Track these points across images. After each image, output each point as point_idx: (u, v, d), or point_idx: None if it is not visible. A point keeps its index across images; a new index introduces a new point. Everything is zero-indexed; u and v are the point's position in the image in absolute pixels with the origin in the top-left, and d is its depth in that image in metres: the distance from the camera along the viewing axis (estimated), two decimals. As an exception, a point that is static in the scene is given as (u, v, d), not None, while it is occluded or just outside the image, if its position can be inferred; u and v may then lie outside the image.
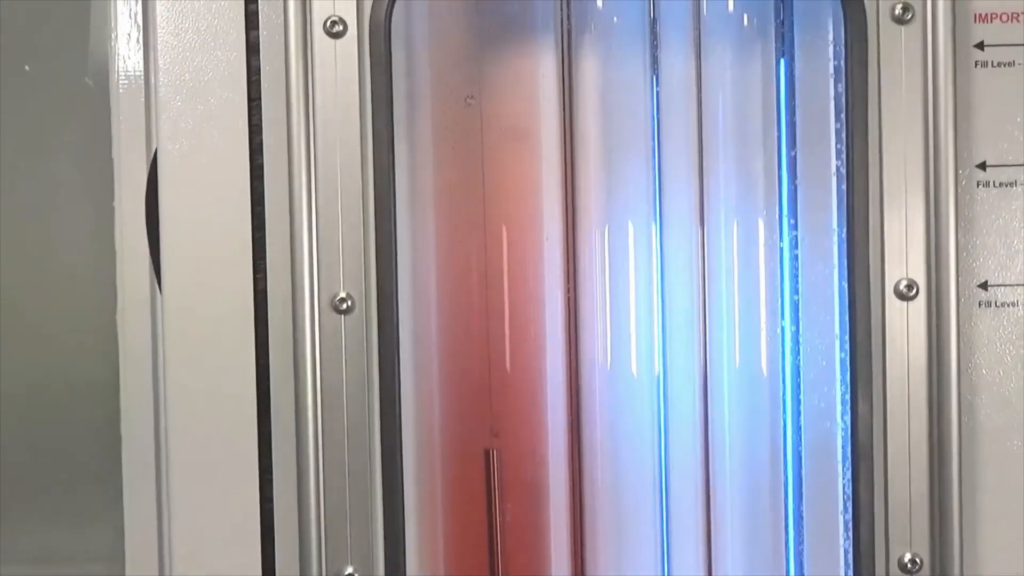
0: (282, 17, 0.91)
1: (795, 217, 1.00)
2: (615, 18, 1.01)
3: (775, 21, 1.00)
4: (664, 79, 1.01)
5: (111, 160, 1.32)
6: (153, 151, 0.97)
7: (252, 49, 0.93)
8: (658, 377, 1.01)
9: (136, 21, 1.31)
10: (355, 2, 0.91)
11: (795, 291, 1.00)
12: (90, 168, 1.35)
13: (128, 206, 1.30)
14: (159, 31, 0.94)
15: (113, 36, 1.33)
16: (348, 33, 0.91)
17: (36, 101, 1.38)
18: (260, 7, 0.92)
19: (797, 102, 0.99)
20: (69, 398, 1.36)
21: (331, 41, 0.91)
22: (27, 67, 1.39)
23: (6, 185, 1.37)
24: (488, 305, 1.01)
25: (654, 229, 1.02)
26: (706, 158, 1.01)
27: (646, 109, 1.01)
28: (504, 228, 1.01)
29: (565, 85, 1.01)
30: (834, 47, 0.97)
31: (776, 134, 1.00)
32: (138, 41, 1.33)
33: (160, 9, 0.94)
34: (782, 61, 1.00)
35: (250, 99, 0.93)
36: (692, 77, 1.01)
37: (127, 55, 1.33)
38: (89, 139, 1.34)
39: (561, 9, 1.01)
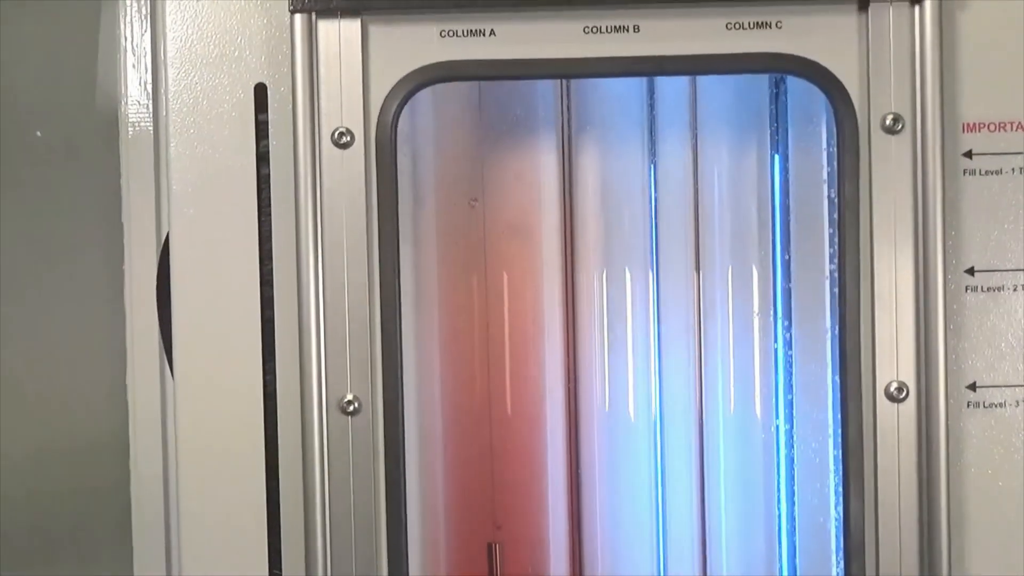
0: (291, 127, 0.94)
1: (789, 318, 1.03)
2: (615, 116, 1.05)
3: (770, 127, 1.04)
4: (662, 176, 1.05)
5: (121, 223, 1.35)
6: (164, 235, 0.99)
7: (262, 158, 0.95)
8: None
9: (147, 92, 1.34)
10: (362, 114, 0.94)
11: (789, 390, 1.03)
12: (101, 231, 1.37)
13: (138, 272, 1.32)
14: (172, 140, 0.96)
15: (123, 103, 1.35)
16: (355, 143, 0.94)
17: (46, 164, 1.41)
18: (270, 117, 0.95)
19: (791, 205, 1.03)
20: (78, 465, 1.39)
21: (339, 151, 0.94)
22: (39, 133, 1.42)
23: (14, 252, 1.40)
24: (491, 407, 1.05)
25: (652, 322, 1.06)
26: (703, 257, 1.05)
27: (644, 209, 1.05)
28: (506, 323, 1.05)
29: (566, 181, 1.05)
30: (827, 153, 1.00)
31: (771, 236, 1.04)
32: (148, 109, 1.35)
33: (173, 118, 0.96)
34: (776, 157, 1.04)
35: (260, 206, 0.96)
36: (690, 175, 1.05)
37: (137, 121, 1.36)
38: (100, 199, 1.37)
39: (561, 111, 1.05)
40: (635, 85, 1.04)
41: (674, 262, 1.05)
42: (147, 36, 1.36)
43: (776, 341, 1.04)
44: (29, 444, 1.39)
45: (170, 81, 0.96)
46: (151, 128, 1.34)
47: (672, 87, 1.04)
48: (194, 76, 0.95)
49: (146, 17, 1.36)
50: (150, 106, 1.34)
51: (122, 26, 1.37)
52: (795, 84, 1.01)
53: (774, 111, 1.03)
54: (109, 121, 1.36)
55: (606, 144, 1.05)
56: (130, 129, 1.35)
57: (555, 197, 1.05)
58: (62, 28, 1.41)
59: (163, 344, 1.19)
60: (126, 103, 1.34)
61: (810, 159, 1.02)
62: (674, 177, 1.05)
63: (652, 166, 1.05)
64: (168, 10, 0.95)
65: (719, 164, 1.04)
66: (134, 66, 1.38)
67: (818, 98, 0.97)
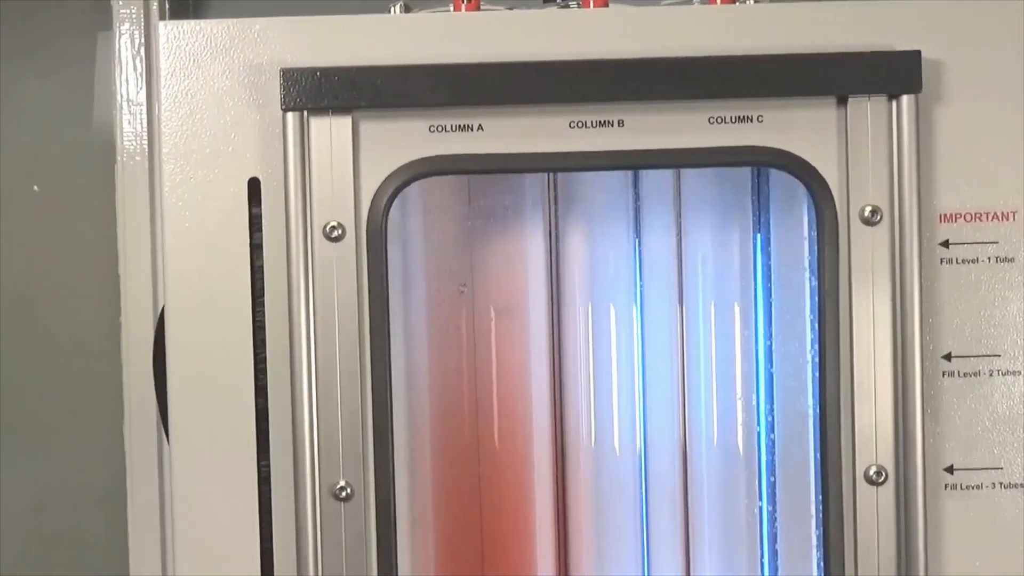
0: (284, 221, 0.97)
1: (771, 402, 1.06)
2: (601, 200, 1.08)
3: (752, 214, 1.07)
4: (647, 256, 1.09)
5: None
6: (162, 307, 1.02)
7: (255, 250, 0.98)
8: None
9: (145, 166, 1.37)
10: (353, 208, 0.97)
11: (771, 472, 1.06)
12: (96, 268, 1.40)
13: (135, 331, 1.35)
14: (168, 232, 0.99)
15: (120, 189, 1.38)
16: (346, 236, 0.97)
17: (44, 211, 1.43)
18: (263, 211, 0.98)
19: (774, 289, 1.06)
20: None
21: (330, 244, 0.97)
22: (36, 187, 1.45)
23: (18, 286, 1.42)
24: (481, 483, 1.08)
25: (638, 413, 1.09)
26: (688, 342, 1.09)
27: (630, 279, 1.09)
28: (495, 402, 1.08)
29: (552, 263, 1.09)
30: (808, 239, 1.03)
31: (753, 319, 1.07)
32: (145, 172, 1.38)
33: (169, 211, 0.98)
34: (758, 238, 1.07)
35: (254, 296, 0.98)
36: (674, 256, 1.08)
37: (134, 183, 1.38)
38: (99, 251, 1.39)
39: (548, 199, 1.08)
40: (620, 173, 1.07)
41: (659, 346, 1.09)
42: (142, 93, 1.39)
43: (758, 422, 1.07)
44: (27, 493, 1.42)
45: (166, 175, 0.98)
46: (148, 198, 1.37)
47: (657, 174, 1.07)
48: (189, 171, 0.98)
49: (141, 75, 1.39)
50: (147, 175, 1.37)
51: (118, 84, 1.39)
52: (776, 172, 1.03)
53: (756, 200, 1.06)
54: (107, 189, 1.38)
55: (592, 227, 1.08)
56: (126, 195, 1.37)
57: (542, 273, 1.08)
58: (61, 88, 1.43)
59: (160, 414, 1.22)
60: (123, 186, 1.36)
61: (791, 246, 1.04)
62: (659, 256, 1.09)
63: (637, 247, 1.08)
64: (164, 108, 0.98)
65: (702, 247, 1.08)
66: (129, 122, 1.40)
67: (799, 185, 1.00)
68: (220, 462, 0.99)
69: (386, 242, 0.98)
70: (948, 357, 0.99)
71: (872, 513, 0.98)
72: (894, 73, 0.97)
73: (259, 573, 0.99)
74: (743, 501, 1.07)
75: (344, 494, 0.97)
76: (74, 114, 1.44)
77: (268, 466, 0.99)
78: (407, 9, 1.03)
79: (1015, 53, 0.98)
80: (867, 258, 0.97)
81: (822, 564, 1.00)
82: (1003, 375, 0.99)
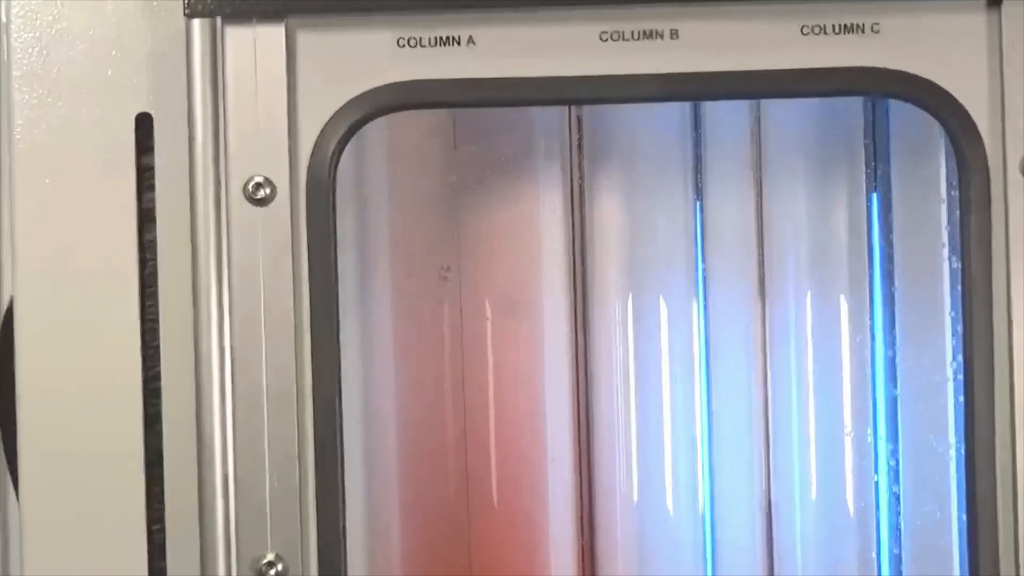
0: (186, 175, 0.95)
1: (895, 440, 1.05)
2: (644, 144, 1.07)
3: (866, 168, 1.06)
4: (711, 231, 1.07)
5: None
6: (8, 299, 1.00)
7: (146, 216, 0.97)
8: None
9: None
10: (287, 159, 0.94)
11: (896, 542, 1.05)
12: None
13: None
14: (17, 192, 0.97)
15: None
16: (277, 198, 0.94)
17: None
18: (157, 162, 0.97)
19: (897, 276, 1.05)
20: None
21: (254, 209, 0.94)
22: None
23: None
24: (472, 554, 1.06)
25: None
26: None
27: (689, 260, 1.07)
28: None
29: (576, 234, 1.07)
30: (947, 202, 1.02)
31: (869, 324, 1.06)
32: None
33: (20, 160, 0.97)
34: (875, 198, 1.06)
35: (143, 285, 0.97)
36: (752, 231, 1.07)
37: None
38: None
39: (570, 146, 1.06)
40: (674, 107, 1.06)
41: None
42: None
43: (876, 469, 1.06)
44: None
45: (17, 108, 0.97)
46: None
47: (727, 107, 1.06)
48: (50, 102, 0.97)
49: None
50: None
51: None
52: (900, 106, 1.01)
53: (872, 146, 1.06)
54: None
55: (633, 185, 1.07)
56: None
57: (560, 260, 1.07)
58: None
59: (4, 452, 1.21)
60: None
61: (923, 212, 1.04)
62: (729, 227, 1.08)
63: (699, 214, 1.07)
64: (14, 14, 0.97)
65: (793, 214, 1.07)
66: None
67: (933, 124, 0.98)
68: (91, 523, 0.97)
69: (335, 207, 0.96)
70: None
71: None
72: (1070, -41, 0.96)
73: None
74: (854, 581, 1.08)
75: (273, 572, 0.94)
76: None
77: (163, 531, 0.98)
78: None
79: None
80: (1032, 224, 0.97)
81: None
82: None
